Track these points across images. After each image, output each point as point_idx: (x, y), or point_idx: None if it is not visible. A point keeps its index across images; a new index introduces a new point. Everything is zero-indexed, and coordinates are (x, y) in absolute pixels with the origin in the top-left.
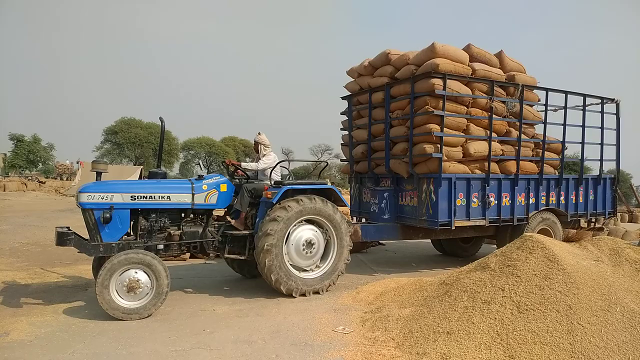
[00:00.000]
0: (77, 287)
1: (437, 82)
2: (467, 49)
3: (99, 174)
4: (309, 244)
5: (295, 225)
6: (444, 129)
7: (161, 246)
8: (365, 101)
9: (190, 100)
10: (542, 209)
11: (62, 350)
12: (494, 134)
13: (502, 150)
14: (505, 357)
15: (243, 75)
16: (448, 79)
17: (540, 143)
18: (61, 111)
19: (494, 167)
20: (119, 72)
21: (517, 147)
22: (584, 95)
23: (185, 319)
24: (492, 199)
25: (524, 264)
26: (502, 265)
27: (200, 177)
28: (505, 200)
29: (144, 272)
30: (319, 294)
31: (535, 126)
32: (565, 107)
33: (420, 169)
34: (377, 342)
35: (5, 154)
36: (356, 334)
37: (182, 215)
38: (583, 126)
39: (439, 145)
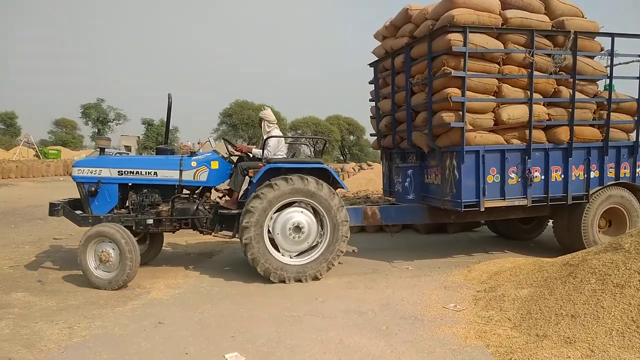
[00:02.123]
0: (203, 254)
1: (455, 37)
2: None
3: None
4: (297, 228)
5: (283, 206)
6: (467, 92)
7: (150, 221)
8: (390, 67)
9: (296, 80)
10: (609, 183)
11: (193, 309)
12: (537, 95)
13: (548, 114)
14: None
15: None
16: (469, 32)
17: (605, 103)
18: (183, 97)
19: (538, 135)
20: (234, 58)
21: (570, 110)
22: None
23: (298, 287)
24: (537, 174)
25: None
26: None
27: (192, 154)
28: (556, 175)
29: (115, 245)
30: (300, 281)
31: (598, 82)
32: None
33: (442, 142)
34: (491, 321)
35: (139, 137)
36: (468, 312)
37: (174, 191)
38: None
39: (460, 113)
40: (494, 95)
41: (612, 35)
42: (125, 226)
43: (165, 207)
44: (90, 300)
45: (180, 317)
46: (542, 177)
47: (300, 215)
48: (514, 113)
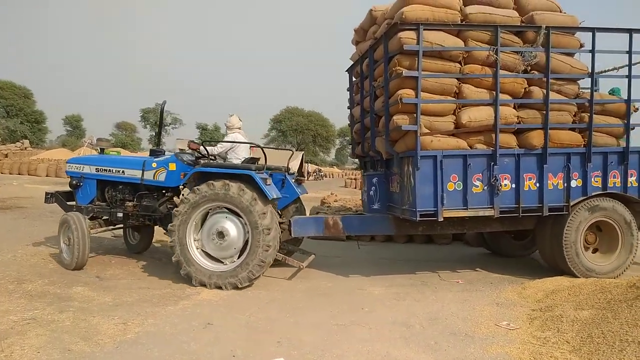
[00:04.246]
0: None
1: (407, 35)
2: None
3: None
4: (220, 233)
5: (212, 212)
6: (423, 94)
7: (120, 214)
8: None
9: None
10: (593, 194)
11: (240, 312)
12: (506, 97)
13: (517, 117)
14: None
15: None
16: (424, 29)
17: (587, 104)
18: (236, 102)
19: (508, 139)
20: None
21: (544, 112)
22: None
23: (343, 295)
24: (506, 182)
25: None
26: None
27: (157, 155)
28: (529, 184)
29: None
30: (220, 289)
31: (579, 82)
32: (630, 51)
33: (399, 147)
34: (548, 342)
35: (193, 141)
36: (522, 332)
37: (141, 189)
38: None
39: (415, 115)
40: (454, 97)
41: (592, 30)
42: (102, 217)
43: (132, 203)
44: (144, 298)
45: (228, 319)
46: (513, 185)
47: (225, 221)
48: (477, 115)
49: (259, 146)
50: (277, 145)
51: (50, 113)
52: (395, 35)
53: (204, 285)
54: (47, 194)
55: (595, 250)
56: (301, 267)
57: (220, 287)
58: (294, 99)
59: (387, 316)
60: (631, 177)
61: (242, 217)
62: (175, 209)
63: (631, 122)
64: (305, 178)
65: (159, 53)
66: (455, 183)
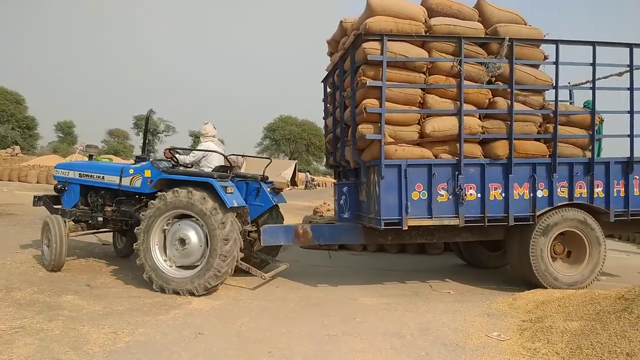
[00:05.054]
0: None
1: (370, 45)
2: (423, 2)
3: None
4: (182, 240)
5: (176, 219)
6: (387, 103)
7: (100, 218)
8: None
9: None
10: (559, 204)
11: (232, 322)
12: (470, 107)
13: (482, 127)
14: None
15: None
16: (388, 40)
17: (551, 115)
18: (229, 109)
19: (473, 149)
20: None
21: (509, 122)
22: (631, 46)
23: (335, 305)
24: (472, 192)
25: None
26: None
27: (136, 162)
28: (495, 193)
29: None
30: (178, 294)
31: (544, 93)
32: (593, 64)
33: (365, 156)
34: (537, 353)
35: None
36: (513, 343)
37: (120, 195)
38: (631, 89)
39: (380, 125)
40: (419, 107)
41: (556, 43)
42: (83, 221)
43: (111, 208)
44: (135, 307)
45: (219, 329)
46: (478, 194)
47: (188, 229)
48: (441, 125)
49: (223, 155)
50: (271, 154)
51: (42, 119)
52: (361, 46)
53: (192, 293)
54: (35, 197)
55: (569, 254)
56: (263, 277)
57: (207, 288)
58: (294, 99)
59: (379, 326)
60: (597, 187)
61: (193, 216)
62: (142, 213)
63: (604, 133)
64: (298, 186)
65: (159, 53)
66: (420, 192)
